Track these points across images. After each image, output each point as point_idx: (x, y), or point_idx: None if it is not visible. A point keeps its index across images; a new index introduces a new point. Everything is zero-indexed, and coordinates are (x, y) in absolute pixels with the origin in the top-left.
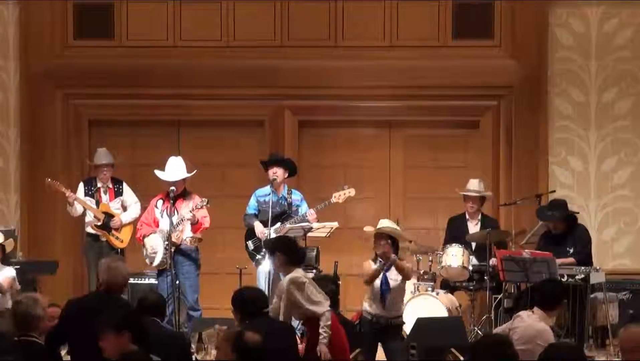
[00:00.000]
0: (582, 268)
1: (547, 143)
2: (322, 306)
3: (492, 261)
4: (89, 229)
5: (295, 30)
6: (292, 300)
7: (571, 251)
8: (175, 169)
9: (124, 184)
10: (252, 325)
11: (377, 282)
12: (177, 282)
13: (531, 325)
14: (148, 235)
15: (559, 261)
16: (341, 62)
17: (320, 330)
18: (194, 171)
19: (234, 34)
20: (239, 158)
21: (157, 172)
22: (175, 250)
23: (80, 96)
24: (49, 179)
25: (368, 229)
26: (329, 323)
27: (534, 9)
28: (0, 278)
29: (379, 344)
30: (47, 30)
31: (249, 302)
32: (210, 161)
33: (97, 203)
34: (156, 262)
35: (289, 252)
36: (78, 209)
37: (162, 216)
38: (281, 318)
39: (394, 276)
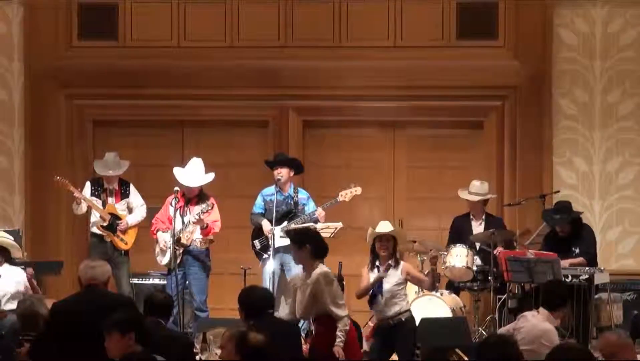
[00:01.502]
0: (587, 268)
1: (551, 143)
2: (344, 310)
3: (496, 251)
4: (95, 230)
5: (299, 31)
6: (317, 295)
7: (577, 251)
8: (192, 174)
9: (131, 186)
10: (256, 325)
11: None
12: (186, 282)
13: (536, 325)
14: (162, 230)
15: (569, 261)
16: (345, 62)
17: (338, 333)
18: (212, 177)
19: (238, 35)
20: (243, 158)
21: (176, 173)
22: (185, 251)
23: (84, 96)
24: (58, 177)
25: (373, 230)
26: (347, 328)
27: (538, 9)
28: (13, 283)
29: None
30: (51, 30)
31: (255, 301)
32: (214, 162)
33: (104, 204)
34: (165, 261)
35: (317, 244)
36: (84, 208)
37: (175, 215)
38: (299, 314)
39: (390, 279)
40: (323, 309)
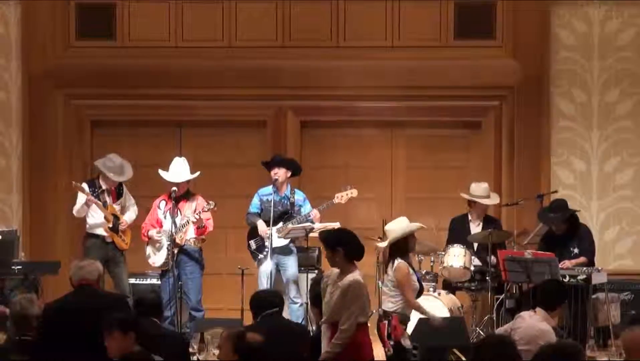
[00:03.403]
0: (584, 268)
1: (549, 143)
2: (353, 327)
3: (493, 260)
4: (101, 231)
5: (297, 31)
6: (346, 301)
7: (575, 251)
8: (179, 170)
9: (124, 186)
10: (255, 325)
11: None
12: (180, 283)
13: (533, 325)
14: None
15: (573, 262)
16: (343, 62)
17: (333, 341)
18: (198, 173)
19: (235, 35)
20: (240, 159)
21: (161, 173)
22: (179, 251)
23: (82, 96)
24: (74, 183)
25: (382, 245)
26: (341, 343)
27: (536, 9)
28: None
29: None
30: (49, 30)
31: (260, 302)
32: (212, 162)
33: (104, 205)
34: (159, 262)
35: (350, 246)
36: (87, 210)
37: (165, 217)
38: (325, 316)
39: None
40: (345, 316)
